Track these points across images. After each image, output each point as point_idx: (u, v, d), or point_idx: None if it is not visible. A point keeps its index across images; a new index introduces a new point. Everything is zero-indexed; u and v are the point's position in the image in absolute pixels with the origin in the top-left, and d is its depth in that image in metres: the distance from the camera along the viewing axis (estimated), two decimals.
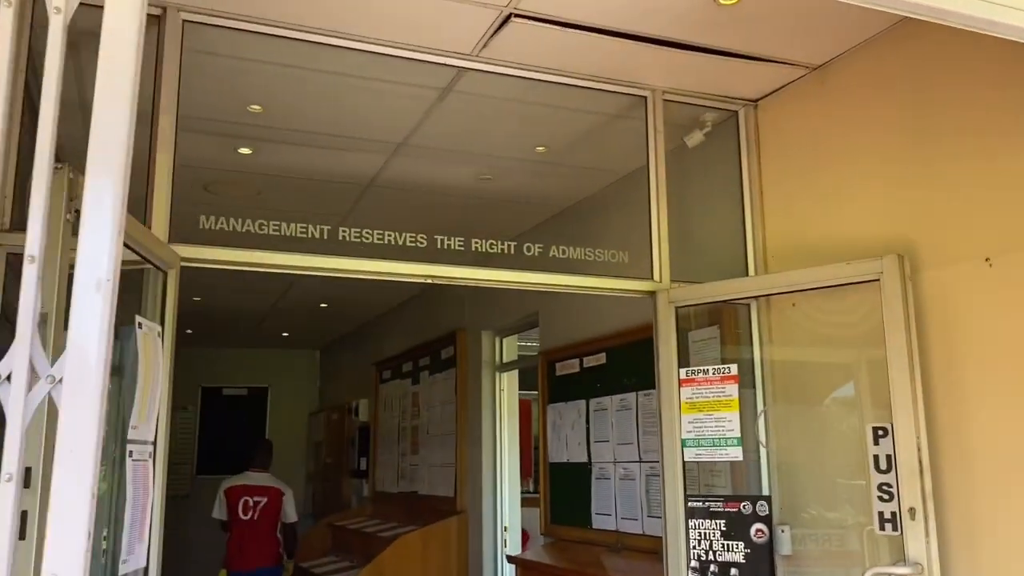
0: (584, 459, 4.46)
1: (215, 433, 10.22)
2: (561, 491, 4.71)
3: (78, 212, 1.92)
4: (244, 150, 3.88)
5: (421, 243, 2.88)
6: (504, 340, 5.89)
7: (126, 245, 2.25)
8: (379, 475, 7.77)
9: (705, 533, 2.85)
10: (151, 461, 2.30)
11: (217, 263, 2.58)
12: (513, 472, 5.74)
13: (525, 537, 5.76)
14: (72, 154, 2.28)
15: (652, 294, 3.11)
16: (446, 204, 4.54)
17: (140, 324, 2.20)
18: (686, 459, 2.93)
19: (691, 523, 2.88)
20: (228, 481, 6.47)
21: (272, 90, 3.30)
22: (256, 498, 6.22)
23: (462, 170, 4.22)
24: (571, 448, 4.60)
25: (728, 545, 2.80)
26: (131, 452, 2.14)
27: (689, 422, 2.93)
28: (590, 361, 4.51)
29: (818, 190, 3.13)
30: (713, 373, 2.94)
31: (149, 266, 2.42)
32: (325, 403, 10.16)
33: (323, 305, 7.62)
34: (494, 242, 3.00)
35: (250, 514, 6.15)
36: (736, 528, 2.80)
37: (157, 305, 2.42)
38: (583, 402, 4.52)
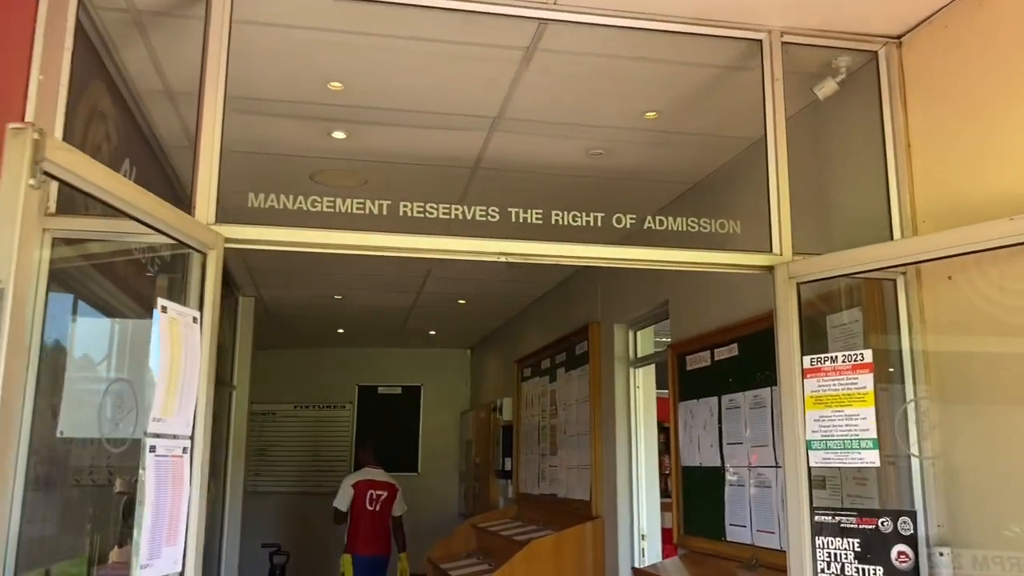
0: (717, 463, 3.99)
1: (371, 431, 10.37)
2: (694, 498, 4.24)
3: (50, 176, 1.77)
4: (338, 134, 3.73)
5: (493, 217, 2.57)
6: (638, 333, 5.47)
7: (150, 226, 2.11)
8: (523, 476, 7.53)
9: (835, 554, 2.36)
10: (187, 457, 2.13)
11: (265, 243, 2.39)
12: (651, 475, 5.30)
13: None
14: None
15: (769, 269, 2.64)
16: (560, 185, 4.21)
17: (164, 308, 2.02)
18: (811, 464, 2.44)
19: (818, 541, 2.39)
20: (354, 476, 7.26)
21: (348, 63, 3.10)
22: (379, 492, 7.05)
23: (569, 145, 3.87)
24: (703, 450, 4.13)
25: (864, 571, 2.29)
26: (153, 447, 1.97)
27: (815, 420, 2.44)
28: (721, 353, 4.03)
29: (978, 139, 2.54)
30: (843, 361, 2.43)
31: (188, 250, 2.26)
32: (475, 402, 10.08)
33: (461, 302, 7.48)
34: (577, 214, 2.64)
35: (374, 506, 6.95)
36: (873, 549, 2.29)
37: (196, 289, 2.25)
38: (714, 399, 4.04)
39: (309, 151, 3.84)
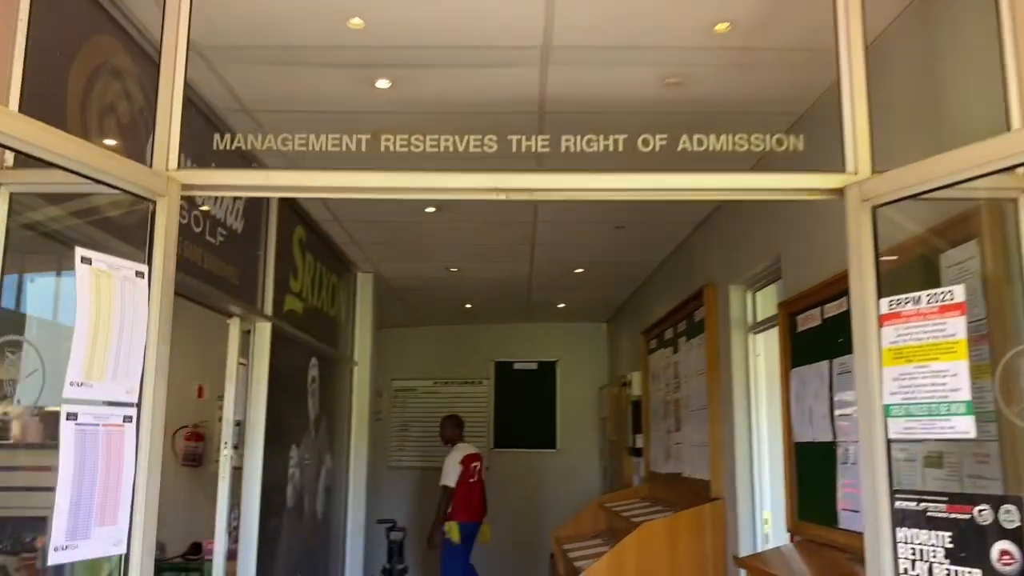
0: (829, 437, 3.41)
1: (508, 407, 10.20)
2: (807, 478, 3.67)
3: None
4: (382, 83, 3.45)
5: (490, 147, 2.19)
6: (757, 295, 4.87)
7: (84, 176, 1.90)
8: (652, 453, 7.07)
9: (921, 551, 1.82)
10: (129, 427, 1.91)
11: (229, 189, 2.15)
12: (773, 452, 4.71)
13: None
14: None
15: (839, 192, 2.09)
16: (641, 124, 3.74)
17: (87, 259, 1.81)
18: (891, 435, 1.90)
19: (900, 534, 1.86)
20: (458, 453, 7.62)
21: None
22: (476, 463, 7.61)
23: (638, 74, 3.39)
24: (816, 423, 3.56)
25: (957, 574, 1.74)
26: (72, 415, 1.76)
27: (894, 379, 1.90)
28: (831, 309, 3.43)
29: None
30: (928, 302, 1.87)
31: (137, 199, 2.04)
32: (612, 377, 9.65)
33: (578, 271, 7.08)
34: (593, 137, 2.21)
35: (475, 476, 7.51)
36: (969, 546, 1.74)
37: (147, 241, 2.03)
38: (825, 364, 3.45)
39: (353, 105, 3.59)
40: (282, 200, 4.81)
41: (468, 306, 8.93)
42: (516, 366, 10.29)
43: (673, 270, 6.52)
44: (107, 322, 1.83)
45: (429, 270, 7.09)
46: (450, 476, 7.35)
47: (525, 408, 10.14)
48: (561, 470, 9.98)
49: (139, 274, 1.95)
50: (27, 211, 2.28)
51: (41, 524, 6.61)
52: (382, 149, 2.42)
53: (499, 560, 9.67)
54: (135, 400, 1.92)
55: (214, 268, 3.87)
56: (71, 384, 1.76)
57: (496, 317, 9.75)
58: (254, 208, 4.45)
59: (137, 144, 2.99)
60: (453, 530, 7.21)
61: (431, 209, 5.23)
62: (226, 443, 4.32)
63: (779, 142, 2.22)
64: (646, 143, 2.20)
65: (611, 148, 2.17)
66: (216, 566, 4.29)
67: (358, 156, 2.29)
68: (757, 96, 3.51)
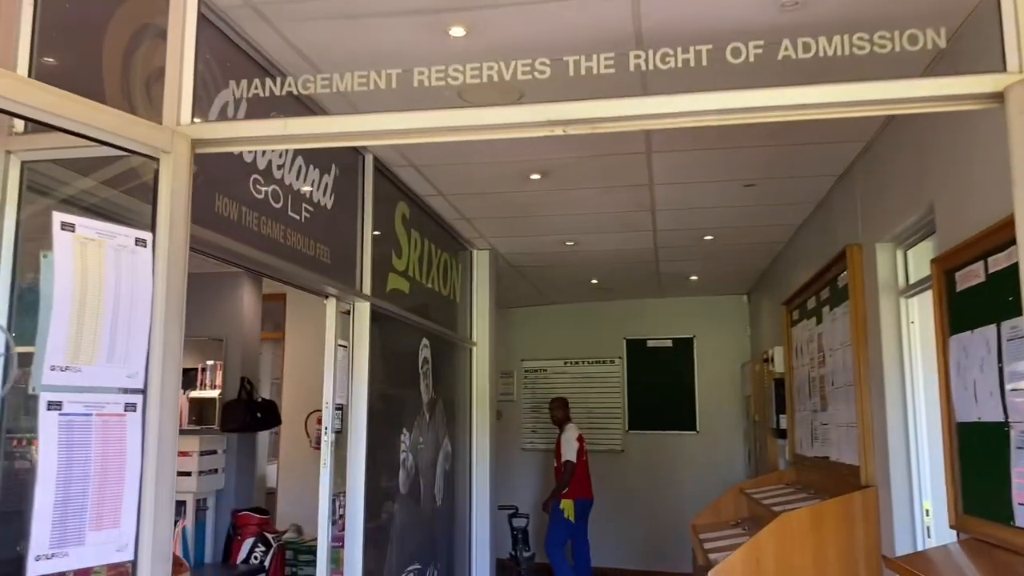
0: (999, 416, 2.81)
1: (642, 386, 9.75)
2: (973, 466, 3.08)
3: None
4: (456, 31, 3.11)
5: (541, 73, 1.81)
6: (908, 253, 4.23)
7: (76, 133, 1.67)
8: (797, 435, 6.45)
9: None
10: (133, 416, 1.68)
11: (246, 142, 1.88)
12: (934, 433, 4.08)
13: None
14: None
15: (998, 97, 1.58)
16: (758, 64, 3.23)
17: (66, 225, 1.58)
18: None
19: None
20: (572, 430, 7.89)
21: None
22: (583, 443, 7.86)
23: None
24: (982, 400, 2.96)
25: None
26: (55, 403, 1.54)
27: None
28: (997, 261, 2.83)
29: None
30: None
31: (141, 158, 1.80)
32: (755, 354, 9.01)
33: (707, 238, 6.54)
34: (669, 51, 1.78)
35: (585, 455, 7.80)
36: None
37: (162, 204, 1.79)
38: (991, 329, 2.86)
39: (430, 58, 3.27)
40: (379, 173, 4.60)
41: (594, 282, 8.53)
42: (650, 343, 9.81)
43: (813, 232, 5.87)
44: (97, 297, 1.60)
45: (546, 245, 6.75)
46: (571, 452, 7.60)
47: (661, 388, 9.65)
48: (702, 453, 9.44)
49: (140, 242, 1.72)
50: (63, 185, 2.11)
51: (177, 507, 6.72)
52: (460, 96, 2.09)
53: (637, 549, 9.28)
54: (140, 385, 1.69)
55: (300, 246, 3.69)
56: (52, 369, 1.54)
57: (626, 292, 9.31)
58: (346, 182, 4.25)
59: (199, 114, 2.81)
60: (568, 508, 7.52)
61: (535, 176, 4.88)
62: (326, 429, 4.16)
63: (912, 39, 1.71)
64: (738, 52, 1.75)
65: (685, 63, 1.74)
66: (320, 559, 4.15)
67: (424, 97, 1.97)
68: (890, 14, 2.94)
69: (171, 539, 1.72)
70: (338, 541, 4.31)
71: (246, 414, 6.93)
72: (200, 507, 6.71)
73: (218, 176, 3.05)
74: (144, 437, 1.68)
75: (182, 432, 7.27)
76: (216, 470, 6.66)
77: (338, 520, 4.31)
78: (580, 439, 7.80)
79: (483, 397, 6.75)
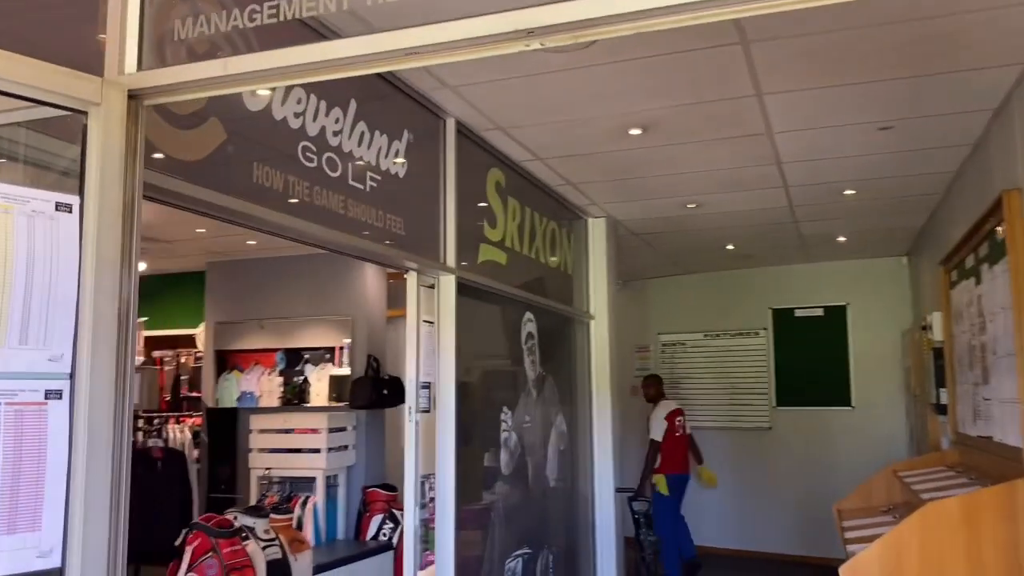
0: None
1: (791, 359, 9.05)
2: None
3: None
4: None
5: None
6: None
7: None
8: (959, 411, 5.69)
9: None
10: (57, 405, 1.49)
11: (187, 88, 1.63)
12: None
13: None
14: None
15: None
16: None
17: None
18: None
19: None
20: (663, 409, 7.76)
21: None
22: (681, 418, 7.79)
23: None
24: None
25: None
26: None
27: None
28: None
29: None
30: None
31: (69, 113, 1.59)
32: (916, 321, 8.11)
33: (848, 192, 5.84)
34: None
35: (680, 431, 7.71)
36: None
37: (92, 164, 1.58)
38: None
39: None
40: (464, 138, 4.34)
41: (730, 247, 7.93)
42: (797, 313, 9.07)
43: (970, 180, 5.09)
44: (5, 270, 1.41)
45: (665, 208, 6.27)
46: (657, 431, 7.60)
47: (811, 360, 8.91)
48: (858, 431, 8.65)
49: (63, 207, 1.52)
50: None
51: (306, 484, 6.82)
52: None
53: (787, 534, 8.66)
54: (66, 370, 1.50)
55: (366, 218, 3.48)
56: None
57: (768, 258, 8.63)
58: (423, 149, 4.02)
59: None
60: (661, 483, 7.50)
61: (635, 131, 4.46)
62: (410, 408, 3.97)
63: None
64: None
65: None
66: (407, 544, 3.98)
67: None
68: None
69: (109, 543, 1.53)
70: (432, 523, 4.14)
71: (373, 391, 6.93)
72: (330, 484, 6.79)
73: (256, 144, 2.88)
74: (72, 428, 1.50)
75: (314, 410, 7.42)
76: (346, 447, 6.71)
77: (428, 503, 4.13)
78: (671, 416, 7.68)
79: (603, 373, 6.40)
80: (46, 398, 1.50)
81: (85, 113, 1.62)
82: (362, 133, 3.48)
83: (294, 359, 7.69)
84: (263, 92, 2.89)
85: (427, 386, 4.09)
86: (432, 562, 4.03)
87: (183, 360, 9.05)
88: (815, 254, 8.37)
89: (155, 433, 6.57)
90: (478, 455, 4.59)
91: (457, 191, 4.22)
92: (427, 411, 4.10)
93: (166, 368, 9.11)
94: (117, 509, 1.55)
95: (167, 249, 7.71)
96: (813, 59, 3.57)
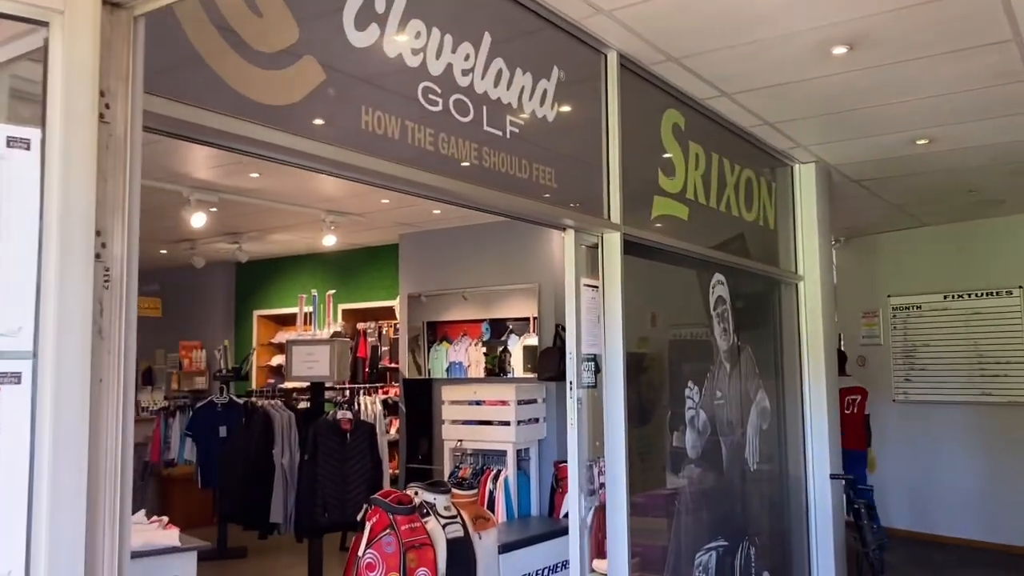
0: None
1: None
2: None
3: None
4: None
5: None
6: None
7: None
8: None
9: None
10: (17, 389, 1.18)
11: None
12: None
13: None
14: None
15: None
16: None
17: None
18: None
19: None
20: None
21: None
22: (857, 396, 7.54)
23: None
24: None
25: None
26: None
27: None
28: None
29: None
30: None
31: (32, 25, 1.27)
32: None
33: None
34: None
35: (851, 408, 7.39)
36: None
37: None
38: None
39: None
40: (629, 74, 3.78)
41: (973, 192, 6.72)
42: None
43: None
44: None
45: (888, 147, 5.31)
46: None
47: None
48: None
49: (16, 143, 1.20)
50: None
51: (498, 457, 6.58)
52: None
53: None
54: (28, 348, 1.19)
55: (505, 168, 3.05)
56: None
57: (1022, 204, 7.27)
58: (578, 88, 3.52)
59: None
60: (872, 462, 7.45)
61: (840, 50, 3.68)
62: (571, 384, 3.52)
63: None
64: None
65: None
66: (572, 535, 3.55)
67: None
68: None
69: (85, 547, 1.21)
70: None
71: (560, 361, 6.58)
72: (521, 458, 6.53)
73: (364, 86, 2.53)
74: (34, 416, 1.19)
75: (501, 381, 7.20)
76: (537, 420, 6.44)
77: (597, 490, 3.67)
78: (841, 393, 6.63)
79: (816, 342, 5.59)
80: (4, 382, 1.20)
81: (46, 23, 1.30)
82: (499, 71, 3.03)
83: (499, 329, 7.55)
84: (372, 27, 2.53)
85: (592, 358, 3.62)
86: None
87: (384, 331, 9.17)
88: None
89: (346, 405, 6.59)
90: (657, 436, 4.07)
91: (622, 136, 3.68)
92: (592, 386, 3.63)
93: (369, 340, 9.28)
94: (113, 525, 1.23)
95: (359, 222, 7.75)
96: None
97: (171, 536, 4.22)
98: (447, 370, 8.40)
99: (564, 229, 3.51)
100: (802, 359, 5.57)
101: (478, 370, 7.67)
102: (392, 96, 2.61)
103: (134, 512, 4.59)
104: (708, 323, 4.47)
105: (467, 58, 2.89)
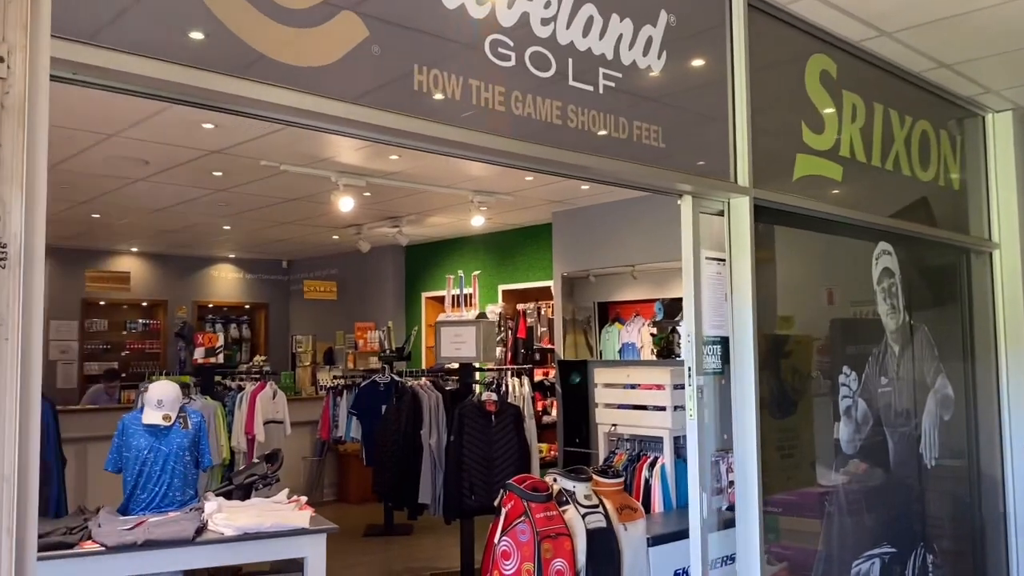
0: None
1: None
2: None
3: None
4: None
5: None
6: None
7: None
8: None
9: None
10: None
11: None
12: None
13: None
14: None
15: None
16: None
17: None
18: None
19: None
20: None
21: None
22: None
23: None
24: None
25: None
26: None
27: None
28: None
29: None
30: None
31: None
32: None
33: None
34: None
35: None
36: None
37: None
38: None
39: None
40: (760, 15, 3.30)
41: None
42: None
43: None
44: None
45: None
46: None
47: None
48: None
49: None
50: None
51: (655, 443, 6.24)
52: None
53: None
54: None
55: (596, 128, 2.71)
56: None
57: None
58: (691, 33, 3.09)
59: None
60: None
61: None
62: (690, 370, 3.12)
63: None
64: None
65: None
66: (693, 538, 3.17)
67: None
68: None
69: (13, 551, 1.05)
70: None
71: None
72: (679, 445, 6.13)
73: (416, 42, 2.28)
74: None
75: (655, 363, 6.79)
76: None
77: (725, 489, 3.26)
78: None
79: (1015, 319, 4.77)
80: None
81: None
82: (589, 18, 2.69)
83: (673, 309, 7.17)
84: None
85: (716, 341, 3.20)
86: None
87: (543, 312, 8.99)
88: None
89: (493, 387, 6.45)
90: (804, 428, 3.58)
91: (751, 87, 3.21)
92: (719, 373, 3.22)
93: (528, 321, 9.13)
94: (11, 532, 1.07)
95: (507, 201, 7.58)
96: None
97: (303, 517, 4.23)
98: (619, 352, 8.09)
99: (680, 196, 3.11)
100: (997, 340, 4.77)
101: (651, 351, 7.34)
102: (452, 52, 2.35)
103: (274, 493, 4.66)
104: (871, 299, 3.88)
105: (547, 5, 2.58)
